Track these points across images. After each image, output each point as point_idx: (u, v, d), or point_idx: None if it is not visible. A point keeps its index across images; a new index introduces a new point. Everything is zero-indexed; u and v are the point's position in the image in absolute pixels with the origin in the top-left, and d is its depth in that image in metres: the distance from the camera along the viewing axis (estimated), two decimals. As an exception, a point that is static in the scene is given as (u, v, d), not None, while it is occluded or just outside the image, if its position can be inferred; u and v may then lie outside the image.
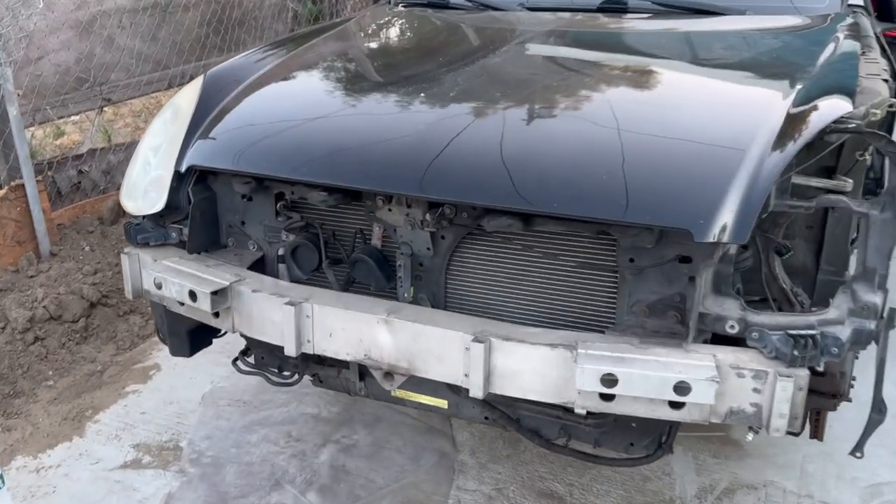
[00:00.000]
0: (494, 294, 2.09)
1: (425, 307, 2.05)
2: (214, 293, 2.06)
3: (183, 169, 2.24)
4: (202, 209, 2.31)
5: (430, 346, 1.87)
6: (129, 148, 4.74)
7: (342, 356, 2.01)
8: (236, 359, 2.52)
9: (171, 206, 2.30)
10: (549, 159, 1.88)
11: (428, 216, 2.00)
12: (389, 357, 1.94)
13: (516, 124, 2.03)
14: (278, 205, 2.27)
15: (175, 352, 2.53)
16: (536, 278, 2.03)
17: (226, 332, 2.40)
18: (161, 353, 3.60)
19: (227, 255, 2.35)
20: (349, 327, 1.97)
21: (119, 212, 4.52)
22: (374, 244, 2.17)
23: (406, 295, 2.11)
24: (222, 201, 2.35)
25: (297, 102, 2.37)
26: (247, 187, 2.22)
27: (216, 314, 2.11)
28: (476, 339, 1.79)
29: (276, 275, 2.31)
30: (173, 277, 2.15)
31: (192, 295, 2.10)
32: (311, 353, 2.03)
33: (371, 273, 2.12)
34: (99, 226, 4.39)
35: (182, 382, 3.41)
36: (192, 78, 5.28)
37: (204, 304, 2.07)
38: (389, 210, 2.06)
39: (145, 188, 2.33)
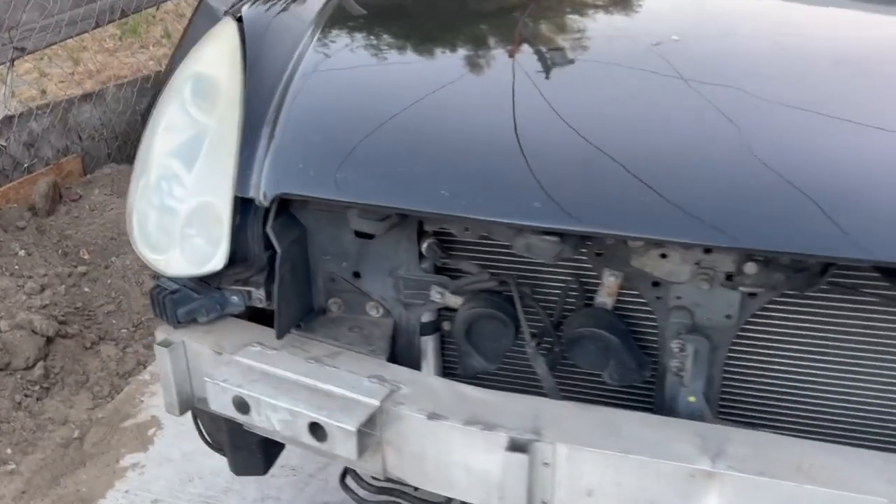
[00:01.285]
0: (819, 391, 1.25)
1: (772, 436, 1.19)
2: (362, 427, 1.15)
3: (261, 196, 1.27)
4: (294, 260, 1.36)
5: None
6: (59, 111, 3.58)
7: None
8: (344, 475, 1.62)
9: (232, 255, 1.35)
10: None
11: (750, 266, 1.13)
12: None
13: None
14: (425, 244, 1.34)
15: (240, 470, 1.62)
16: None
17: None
18: (156, 399, 2.64)
19: (339, 331, 1.41)
20: (630, 484, 1.11)
21: (56, 196, 3.41)
22: (602, 305, 1.29)
23: (690, 398, 1.25)
24: (318, 241, 1.41)
25: (453, 76, 1.38)
26: (377, 223, 1.28)
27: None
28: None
29: (415, 357, 1.41)
30: (272, 397, 1.23)
31: (317, 430, 1.19)
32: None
33: (613, 356, 1.25)
34: (32, 218, 3.28)
35: (198, 445, 2.46)
36: (124, 14, 4.06)
37: (344, 445, 1.17)
38: (663, 257, 1.17)
39: (181, 229, 1.36)
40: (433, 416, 1.18)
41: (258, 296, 1.41)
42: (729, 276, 1.16)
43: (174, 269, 1.37)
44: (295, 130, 1.30)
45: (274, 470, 2.33)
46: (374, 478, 1.56)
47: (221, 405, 1.28)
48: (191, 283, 1.40)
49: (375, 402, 1.20)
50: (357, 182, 1.20)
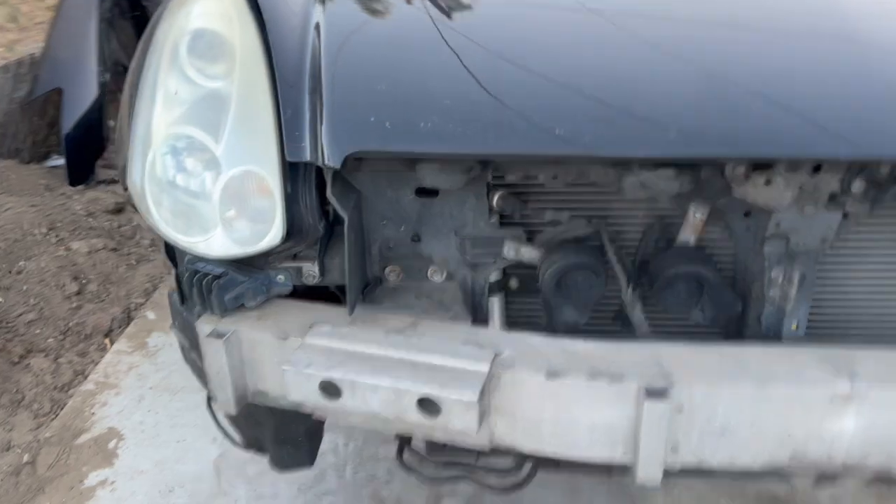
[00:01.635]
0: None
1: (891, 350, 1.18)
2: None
3: (325, 159, 1.14)
4: (356, 227, 1.24)
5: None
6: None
7: (738, 465, 1.12)
8: (401, 453, 1.51)
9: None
10: None
11: (857, 184, 1.12)
12: (849, 452, 1.09)
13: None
14: (496, 198, 1.25)
15: (286, 465, 1.48)
16: None
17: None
18: (108, 409, 2.41)
19: (404, 300, 1.30)
20: (767, 417, 1.09)
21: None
22: (686, 243, 1.26)
23: (793, 325, 1.24)
24: (375, 205, 1.28)
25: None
26: (459, 176, 1.18)
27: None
28: None
29: (481, 321, 1.33)
30: (370, 377, 1.11)
31: (427, 406, 1.09)
32: (676, 468, 1.12)
33: (708, 293, 1.22)
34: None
35: (170, 451, 2.28)
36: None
37: (461, 418, 1.08)
38: (767, 183, 1.14)
39: (219, 205, 1.20)
40: (552, 375, 1.11)
41: (310, 272, 1.28)
42: (832, 197, 1.15)
43: (217, 250, 1.22)
44: (352, 81, 1.17)
45: (257, 466, 2.19)
46: (431, 452, 1.47)
47: (305, 393, 1.15)
48: (233, 269, 1.25)
49: (484, 369, 1.11)
50: (451, 130, 1.08)
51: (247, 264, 1.26)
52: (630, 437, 1.11)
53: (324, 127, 1.15)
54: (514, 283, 1.34)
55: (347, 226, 1.18)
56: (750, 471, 1.13)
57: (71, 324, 2.73)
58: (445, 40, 1.18)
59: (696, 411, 1.09)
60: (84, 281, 2.89)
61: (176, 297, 1.46)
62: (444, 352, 1.15)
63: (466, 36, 1.20)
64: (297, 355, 1.16)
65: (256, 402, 1.27)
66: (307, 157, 1.15)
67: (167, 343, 2.65)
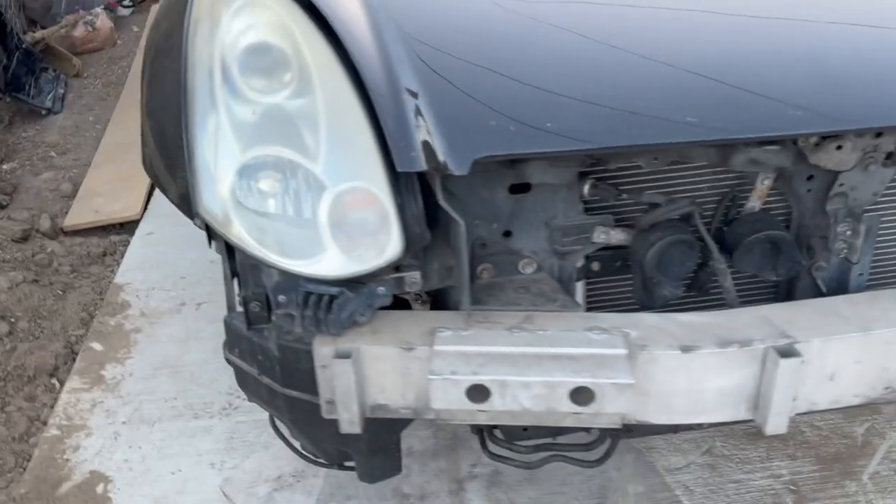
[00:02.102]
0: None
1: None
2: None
3: (448, 166, 1.13)
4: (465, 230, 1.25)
5: None
6: None
7: (842, 403, 1.25)
8: (484, 444, 1.54)
9: None
10: None
11: None
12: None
13: None
14: (587, 186, 1.30)
15: (378, 475, 1.47)
16: None
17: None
18: (83, 452, 2.25)
19: (504, 297, 1.32)
20: (869, 358, 1.22)
21: None
22: (753, 209, 1.37)
23: (859, 274, 1.37)
24: (470, 206, 1.29)
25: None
26: (570, 170, 1.22)
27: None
28: None
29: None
30: (519, 374, 1.14)
31: (580, 396, 1.13)
32: (788, 414, 1.24)
33: (784, 252, 1.34)
34: None
35: (167, 484, 2.16)
36: None
37: (615, 402, 1.13)
38: (839, 148, 1.26)
39: (328, 225, 1.18)
40: (686, 349, 1.18)
41: (413, 280, 1.28)
42: (888, 156, 1.29)
43: (333, 270, 1.19)
44: (460, 85, 1.17)
45: (269, 486, 2.14)
46: (509, 438, 1.51)
47: (450, 400, 1.15)
48: (344, 287, 1.22)
49: (622, 351, 1.17)
50: (578, 127, 1.11)
51: (351, 280, 1.24)
52: (754, 394, 1.21)
53: (441, 134, 1.14)
54: (595, 266, 1.40)
55: (464, 229, 1.19)
56: (850, 406, 1.26)
57: (9, 368, 2.50)
58: (547, 35, 1.21)
59: (813, 362, 1.20)
60: (12, 319, 2.65)
61: (237, 321, 1.41)
62: (575, 341, 1.19)
63: (569, 29, 1.23)
64: (436, 364, 1.16)
65: (374, 417, 1.26)
66: (421, 166, 1.14)
67: (125, 373, 2.50)
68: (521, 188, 1.29)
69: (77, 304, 2.81)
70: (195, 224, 1.35)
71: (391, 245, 1.18)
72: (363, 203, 1.18)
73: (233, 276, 1.37)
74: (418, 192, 1.20)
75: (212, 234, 1.34)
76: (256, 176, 1.22)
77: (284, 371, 1.32)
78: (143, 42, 4.88)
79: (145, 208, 3.36)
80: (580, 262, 1.37)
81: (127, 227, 3.30)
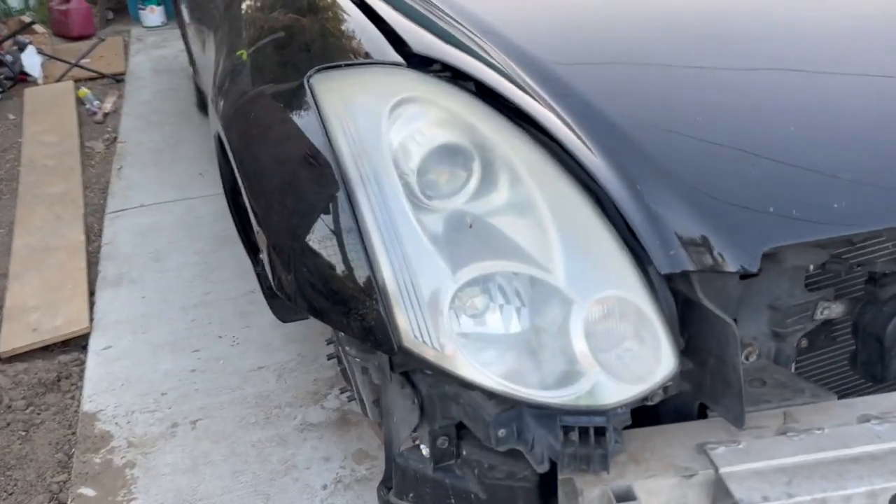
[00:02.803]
0: None
1: None
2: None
3: (734, 265, 0.99)
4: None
5: None
6: None
7: None
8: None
9: None
10: None
11: None
12: None
13: None
14: (812, 267, 1.20)
15: None
16: None
17: None
18: None
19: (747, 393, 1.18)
20: None
21: None
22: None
23: None
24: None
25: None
26: (827, 250, 1.10)
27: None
28: None
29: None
30: (836, 487, 1.00)
31: (899, 499, 1.01)
32: None
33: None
34: None
35: None
36: None
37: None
38: None
39: (585, 345, 1.01)
40: (976, 428, 1.09)
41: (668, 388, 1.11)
42: None
43: (605, 397, 1.01)
44: (714, 171, 1.04)
45: None
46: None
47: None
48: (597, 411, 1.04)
49: None
50: (869, 205, 1.01)
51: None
52: None
53: (710, 228, 1.00)
54: (804, 343, 1.29)
55: (734, 329, 1.04)
56: None
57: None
58: (822, 109, 1.10)
59: None
60: (-24, 478, 2.20)
61: (413, 461, 1.20)
62: (860, 437, 1.07)
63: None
64: (738, 490, 1.00)
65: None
66: (687, 266, 1.00)
67: (133, 519, 2.13)
68: (749, 272, 1.16)
69: (47, 444, 2.38)
70: (394, 359, 1.13)
71: (664, 359, 1.01)
72: (622, 314, 1.02)
73: (421, 411, 1.16)
74: (670, 295, 1.05)
75: (394, 364, 1.14)
76: (476, 297, 1.02)
77: None
78: (26, 132, 4.38)
79: (91, 318, 2.94)
80: (803, 341, 1.26)
81: (73, 344, 2.87)
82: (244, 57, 1.51)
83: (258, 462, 2.25)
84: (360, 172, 1.07)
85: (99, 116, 4.60)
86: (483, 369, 1.01)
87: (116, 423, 2.44)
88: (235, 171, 1.37)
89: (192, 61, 4.08)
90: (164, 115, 4.71)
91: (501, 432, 1.08)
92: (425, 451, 1.20)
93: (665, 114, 1.14)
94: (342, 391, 1.90)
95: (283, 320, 2.20)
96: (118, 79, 5.21)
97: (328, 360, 1.90)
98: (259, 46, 1.50)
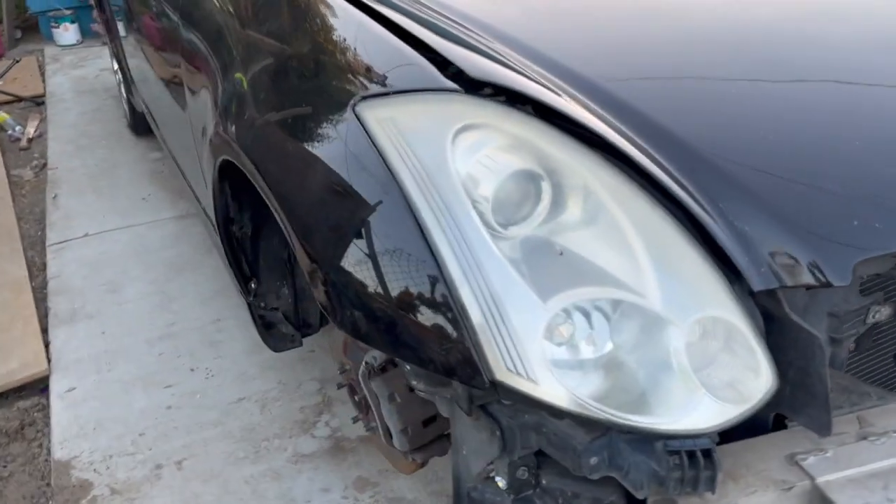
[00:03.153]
0: None
1: None
2: None
3: (828, 278, 1.01)
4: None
5: None
6: None
7: None
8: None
9: None
10: None
11: None
12: None
13: None
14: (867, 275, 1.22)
15: None
16: None
17: None
18: None
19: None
20: None
21: None
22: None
23: None
24: None
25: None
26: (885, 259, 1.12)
27: None
28: None
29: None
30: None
31: None
32: None
33: None
34: None
35: None
36: None
37: None
38: None
39: (688, 368, 1.00)
40: None
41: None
42: None
43: (709, 420, 0.99)
44: (794, 183, 1.05)
45: None
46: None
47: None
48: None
49: None
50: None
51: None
52: None
53: (798, 242, 1.01)
54: (852, 346, 1.32)
55: (822, 341, 1.05)
56: None
57: None
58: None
59: None
60: (-51, 543, 2.03)
61: (490, 494, 1.18)
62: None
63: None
64: (841, 500, 1.01)
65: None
66: (779, 282, 1.00)
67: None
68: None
69: (21, 497, 2.22)
70: (474, 392, 1.10)
71: (763, 375, 1.01)
72: (719, 334, 1.01)
73: (503, 444, 1.13)
74: (758, 312, 1.06)
75: (473, 397, 1.11)
76: (565, 324, 1.00)
77: None
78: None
79: (48, 359, 2.77)
80: (852, 344, 1.29)
81: (29, 388, 2.69)
82: (262, 80, 1.44)
83: (254, 499, 2.16)
84: (430, 204, 1.03)
85: (24, 142, 4.35)
86: (587, 400, 0.98)
87: (94, 470, 2.30)
88: (270, 200, 1.30)
89: (127, 80, 3.91)
90: (93, 139, 4.50)
91: (593, 460, 1.06)
92: (501, 482, 1.17)
93: (735, 132, 1.14)
94: (354, 420, 1.84)
95: (276, 350, 2.12)
96: (38, 101, 4.94)
97: (338, 388, 1.84)
98: (278, 68, 1.43)
